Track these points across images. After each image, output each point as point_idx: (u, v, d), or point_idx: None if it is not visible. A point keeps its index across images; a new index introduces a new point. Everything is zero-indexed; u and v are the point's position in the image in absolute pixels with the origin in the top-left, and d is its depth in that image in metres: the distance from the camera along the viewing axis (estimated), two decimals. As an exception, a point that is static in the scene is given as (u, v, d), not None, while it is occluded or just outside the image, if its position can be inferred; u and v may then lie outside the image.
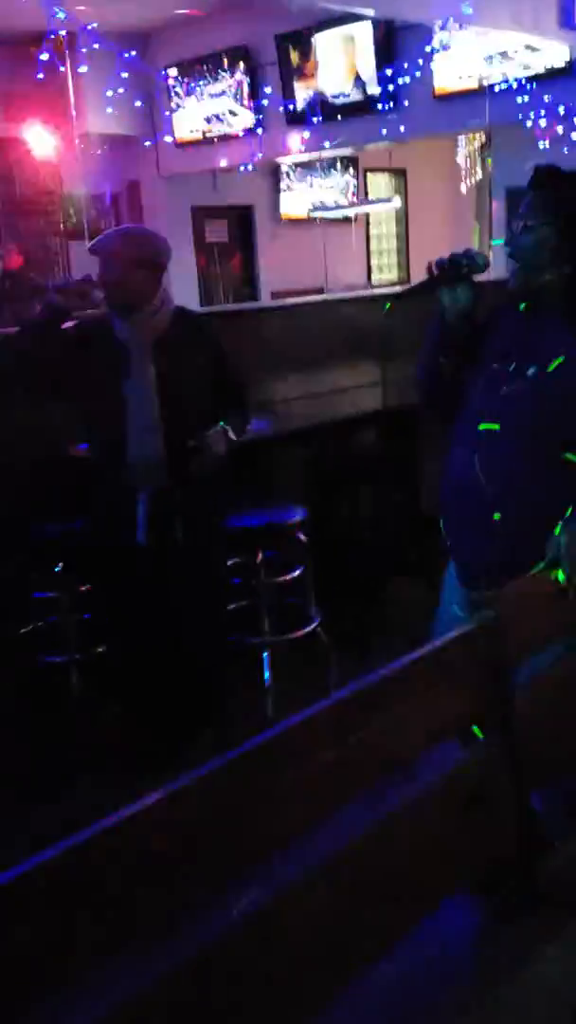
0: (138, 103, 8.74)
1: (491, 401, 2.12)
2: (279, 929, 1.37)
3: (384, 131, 8.28)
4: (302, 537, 3.63)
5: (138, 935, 1.24)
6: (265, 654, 3.57)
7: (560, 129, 7.34)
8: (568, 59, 7.19)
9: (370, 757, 1.48)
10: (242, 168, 9.22)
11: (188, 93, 9.48)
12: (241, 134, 9.30)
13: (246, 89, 9.28)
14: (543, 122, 7.35)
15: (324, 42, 8.27)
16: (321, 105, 8.48)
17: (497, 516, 2.07)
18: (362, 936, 1.48)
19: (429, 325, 2.25)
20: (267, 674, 3.56)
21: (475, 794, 1.67)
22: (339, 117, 8.40)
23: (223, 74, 9.34)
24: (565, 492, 1.97)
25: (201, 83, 9.39)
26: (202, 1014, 1.26)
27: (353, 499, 4.15)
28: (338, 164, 10.93)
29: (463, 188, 11.17)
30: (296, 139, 8.95)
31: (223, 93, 9.45)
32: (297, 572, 3.72)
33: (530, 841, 1.75)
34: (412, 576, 4.27)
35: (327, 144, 8.56)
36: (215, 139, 9.56)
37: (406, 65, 7.60)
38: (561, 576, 1.83)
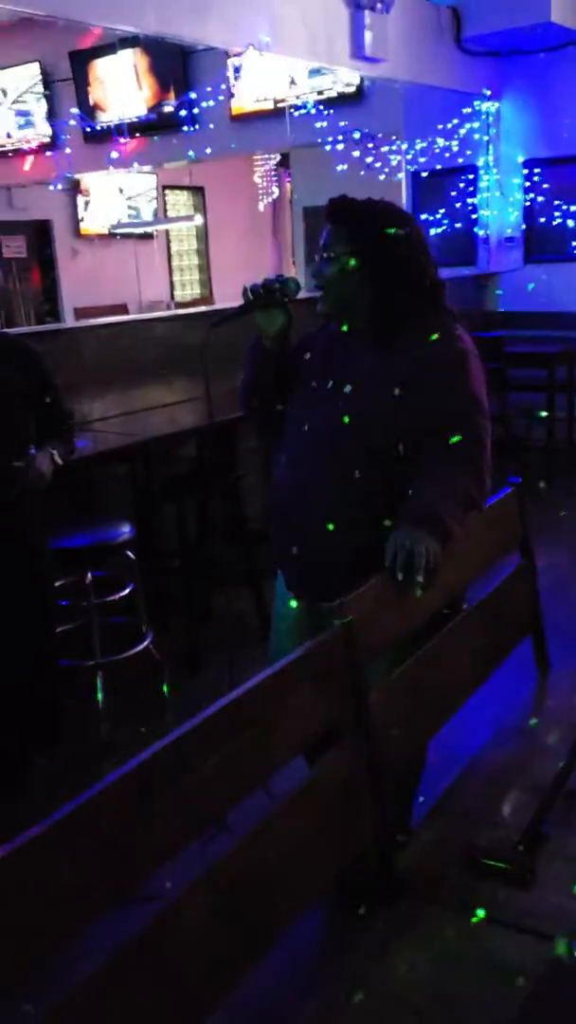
0: None
1: (312, 418, 2.21)
2: (164, 946, 1.38)
3: (183, 150, 8.36)
4: (130, 555, 3.61)
5: (27, 969, 1.21)
6: (98, 675, 3.52)
7: (356, 152, 7.65)
8: (357, 86, 7.54)
9: (243, 767, 1.51)
10: (52, 187, 9.05)
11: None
12: (38, 149, 9.16)
13: (37, 104, 9.15)
14: (341, 146, 7.64)
15: (121, 62, 8.28)
16: (118, 124, 8.48)
17: (331, 527, 2.14)
18: (239, 946, 1.51)
19: (247, 348, 2.32)
20: (100, 695, 3.51)
21: (337, 794, 1.74)
22: (138, 135, 8.42)
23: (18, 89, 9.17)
24: (389, 499, 2.06)
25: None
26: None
27: (178, 514, 4.16)
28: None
29: (260, 206, 11.43)
30: (95, 156, 8.89)
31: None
32: (127, 591, 3.69)
33: (386, 834, 1.83)
34: (237, 588, 4.33)
35: (136, 164, 8.54)
36: (9, 153, 9.37)
37: (208, 89, 7.71)
38: (406, 577, 1.90)
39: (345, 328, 2.23)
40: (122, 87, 8.39)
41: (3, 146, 9.46)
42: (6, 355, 3.02)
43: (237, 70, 7.83)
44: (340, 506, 2.13)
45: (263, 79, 7.85)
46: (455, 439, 2.07)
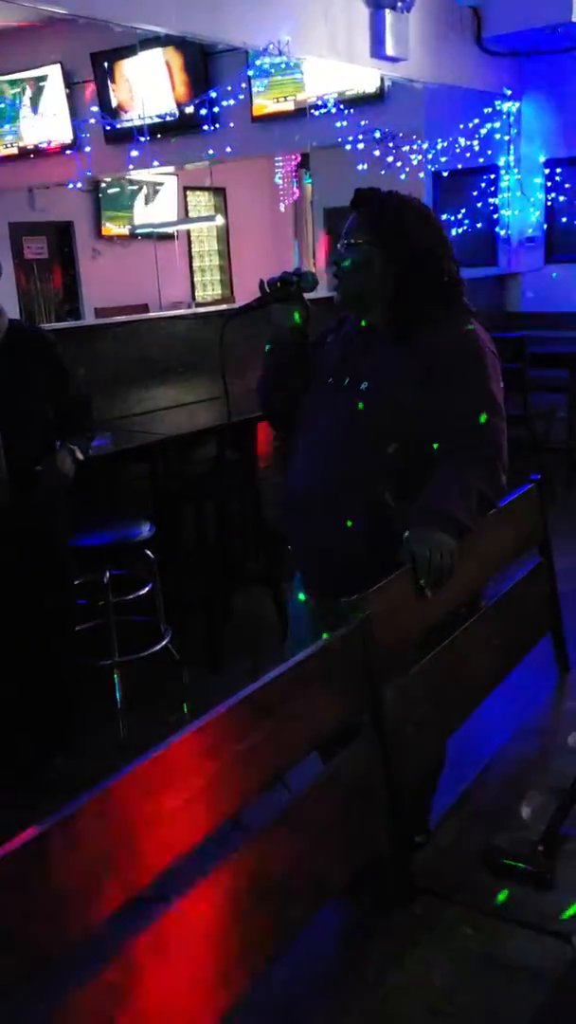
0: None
1: (328, 414, 2.20)
2: (175, 944, 1.36)
3: (204, 151, 8.37)
4: (149, 554, 3.60)
5: (32, 971, 1.20)
6: (116, 675, 3.52)
7: (376, 152, 7.64)
8: (379, 86, 7.52)
9: (256, 765, 1.50)
10: (71, 186, 9.08)
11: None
12: (59, 150, 9.19)
13: (59, 104, 9.18)
14: (361, 145, 7.63)
15: (142, 62, 8.29)
16: (139, 125, 8.50)
17: (349, 524, 2.13)
18: (251, 947, 1.49)
19: (266, 343, 2.31)
20: (118, 695, 3.51)
21: (352, 792, 1.72)
22: (159, 136, 8.43)
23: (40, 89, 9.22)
24: (405, 497, 2.05)
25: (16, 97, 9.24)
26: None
27: (197, 513, 4.15)
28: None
29: (281, 207, 11.43)
30: (115, 157, 8.91)
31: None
32: (146, 589, 3.69)
33: (403, 834, 1.81)
34: (256, 587, 4.33)
35: (156, 163, 8.55)
36: (31, 155, 9.41)
37: (229, 88, 7.71)
38: (424, 580, 1.90)
39: (363, 323, 2.22)
40: (151, 87, 8.39)
41: (25, 147, 9.50)
42: (21, 345, 3.00)
43: (260, 71, 7.82)
44: (356, 503, 2.12)
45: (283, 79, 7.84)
46: (469, 437, 2.06)
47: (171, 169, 9.98)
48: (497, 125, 7.38)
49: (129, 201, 10.84)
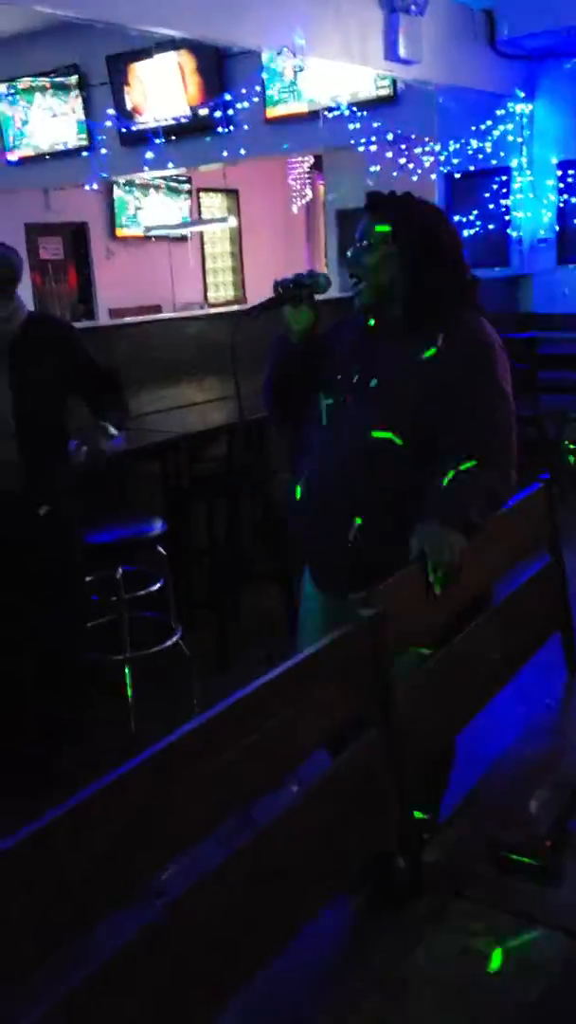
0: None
1: (338, 412, 2.21)
2: (177, 936, 1.38)
3: (218, 153, 8.40)
4: (161, 550, 3.63)
5: (43, 958, 1.21)
6: (127, 670, 3.55)
7: (389, 154, 7.65)
8: (391, 88, 7.54)
9: (265, 757, 1.51)
10: (86, 187, 9.11)
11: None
12: (75, 152, 9.23)
13: (75, 106, 9.22)
14: (373, 147, 7.65)
15: (157, 65, 8.32)
16: (153, 127, 8.53)
17: (359, 520, 2.15)
18: (258, 938, 1.50)
19: (273, 342, 2.33)
20: (129, 690, 3.53)
21: (361, 788, 1.74)
22: (173, 138, 8.47)
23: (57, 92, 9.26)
24: (413, 494, 2.06)
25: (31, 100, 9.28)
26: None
27: (208, 511, 4.18)
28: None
29: (294, 208, 11.45)
30: (130, 159, 8.95)
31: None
32: (157, 586, 3.71)
33: (412, 829, 1.83)
34: (267, 584, 4.34)
35: (170, 165, 8.58)
36: (47, 156, 9.45)
37: (244, 91, 7.73)
38: (433, 577, 1.92)
39: (372, 322, 2.23)
40: (165, 89, 8.43)
41: (41, 148, 9.54)
42: (38, 334, 3.03)
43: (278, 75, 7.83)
44: (367, 500, 2.14)
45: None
46: (480, 434, 2.07)
47: (184, 170, 10.01)
48: (510, 127, 7.39)
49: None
